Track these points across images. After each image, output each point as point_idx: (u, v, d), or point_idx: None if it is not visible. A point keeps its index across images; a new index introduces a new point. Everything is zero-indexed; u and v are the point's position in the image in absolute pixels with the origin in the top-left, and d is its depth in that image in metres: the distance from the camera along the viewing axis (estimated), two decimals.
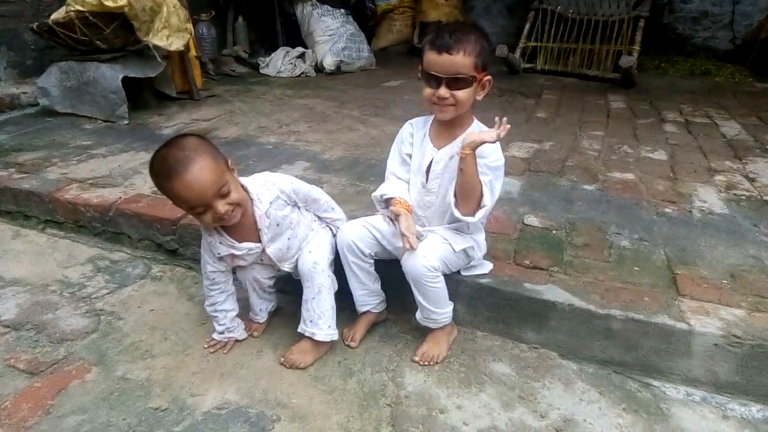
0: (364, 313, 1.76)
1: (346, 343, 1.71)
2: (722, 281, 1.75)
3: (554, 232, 2.06)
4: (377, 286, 1.76)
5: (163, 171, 1.38)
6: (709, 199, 2.38)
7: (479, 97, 1.54)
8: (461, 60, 1.43)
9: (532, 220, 2.14)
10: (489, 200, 1.53)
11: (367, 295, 1.74)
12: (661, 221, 2.16)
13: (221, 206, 1.42)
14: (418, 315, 1.67)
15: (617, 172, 2.70)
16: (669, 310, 1.58)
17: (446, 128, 1.61)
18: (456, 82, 1.46)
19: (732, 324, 1.53)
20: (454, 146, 1.59)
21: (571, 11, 5.45)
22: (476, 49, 1.44)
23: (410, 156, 1.69)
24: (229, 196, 1.44)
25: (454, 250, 1.62)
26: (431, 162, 1.63)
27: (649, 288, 1.71)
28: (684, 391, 1.56)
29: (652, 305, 1.61)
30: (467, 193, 1.52)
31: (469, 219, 1.55)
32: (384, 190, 1.68)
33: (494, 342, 1.73)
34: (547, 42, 5.56)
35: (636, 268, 1.82)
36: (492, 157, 1.54)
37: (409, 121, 1.72)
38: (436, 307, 1.62)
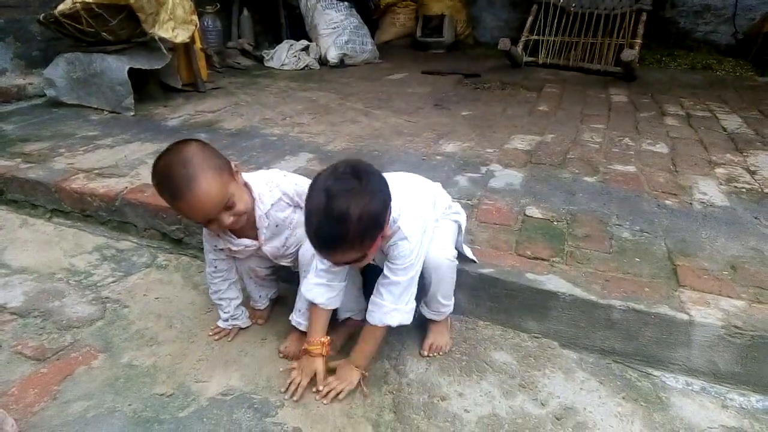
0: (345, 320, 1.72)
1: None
2: (723, 272, 1.76)
3: (556, 223, 2.07)
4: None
5: (168, 190, 1.37)
6: (709, 191, 2.39)
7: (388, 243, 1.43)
8: (341, 258, 1.33)
9: (533, 211, 2.15)
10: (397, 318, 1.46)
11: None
12: (662, 213, 2.17)
13: (226, 218, 1.42)
14: (424, 309, 1.65)
15: (618, 164, 2.70)
16: (669, 301, 1.59)
17: None
18: (350, 263, 1.38)
19: (732, 315, 1.53)
20: None
21: (573, 5, 5.45)
22: (355, 242, 1.27)
23: None
24: (235, 208, 1.43)
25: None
26: None
27: (650, 279, 1.72)
28: (683, 381, 1.57)
29: (652, 296, 1.61)
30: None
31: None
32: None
33: (495, 331, 1.74)
34: (549, 36, 5.56)
35: (637, 259, 1.83)
36: (400, 261, 1.42)
37: None
38: (447, 299, 1.62)
